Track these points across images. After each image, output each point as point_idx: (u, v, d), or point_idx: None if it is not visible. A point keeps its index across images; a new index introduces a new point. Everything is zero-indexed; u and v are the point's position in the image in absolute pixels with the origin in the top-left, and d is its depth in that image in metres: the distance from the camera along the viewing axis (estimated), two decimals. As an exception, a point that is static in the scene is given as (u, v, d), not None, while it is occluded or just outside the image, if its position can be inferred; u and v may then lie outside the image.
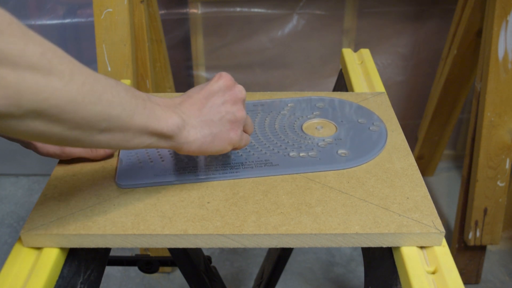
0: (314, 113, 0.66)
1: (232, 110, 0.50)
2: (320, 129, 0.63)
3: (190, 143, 0.47)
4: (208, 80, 1.67)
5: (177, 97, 0.49)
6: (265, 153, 0.59)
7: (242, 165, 0.56)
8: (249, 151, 0.59)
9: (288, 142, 0.61)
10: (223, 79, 0.50)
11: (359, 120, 0.65)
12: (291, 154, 0.58)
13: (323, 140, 0.61)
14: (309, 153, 0.58)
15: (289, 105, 0.68)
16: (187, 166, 0.56)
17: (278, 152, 0.59)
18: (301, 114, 0.66)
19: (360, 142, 0.60)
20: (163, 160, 0.57)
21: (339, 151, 0.59)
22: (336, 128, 0.63)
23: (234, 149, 0.53)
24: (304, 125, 0.64)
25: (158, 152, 0.58)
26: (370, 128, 0.63)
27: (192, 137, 0.46)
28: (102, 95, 0.38)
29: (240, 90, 0.51)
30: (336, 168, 0.56)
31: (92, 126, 0.38)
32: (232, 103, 0.50)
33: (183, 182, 0.54)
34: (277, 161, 0.57)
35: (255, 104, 0.68)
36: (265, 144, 0.60)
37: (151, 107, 0.43)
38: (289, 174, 0.55)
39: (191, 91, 0.50)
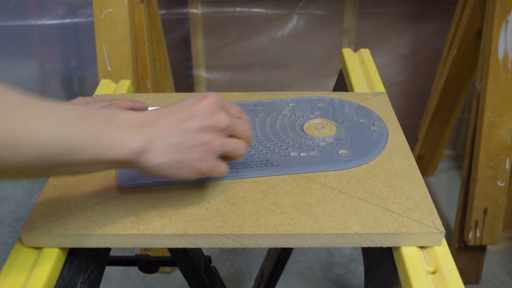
0: (315, 113, 0.66)
1: (206, 139, 0.46)
2: (320, 129, 0.63)
3: (153, 167, 0.44)
4: (207, 80, 1.66)
5: (157, 109, 0.46)
6: (266, 153, 0.59)
7: (242, 165, 0.56)
8: (250, 151, 0.59)
9: (288, 142, 0.61)
10: (207, 102, 0.46)
11: (360, 120, 0.64)
12: (291, 154, 0.58)
13: (324, 140, 0.61)
14: (310, 153, 0.58)
15: (289, 105, 0.68)
16: (187, 166, 0.56)
17: (279, 152, 0.59)
18: (301, 114, 0.66)
19: (360, 142, 0.60)
20: (163, 160, 0.57)
21: (340, 151, 0.59)
22: (337, 128, 0.63)
23: (207, 177, 0.50)
24: (305, 125, 0.64)
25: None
26: (371, 128, 0.63)
27: (156, 161, 0.44)
28: (38, 136, 0.37)
29: (221, 119, 0.46)
30: (337, 168, 0.56)
31: (31, 168, 0.38)
32: (209, 131, 0.46)
33: (183, 182, 0.54)
34: (277, 161, 0.57)
35: (256, 104, 0.68)
36: (265, 144, 0.60)
37: (106, 133, 0.41)
38: (290, 174, 0.55)
39: (174, 106, 0.47)
